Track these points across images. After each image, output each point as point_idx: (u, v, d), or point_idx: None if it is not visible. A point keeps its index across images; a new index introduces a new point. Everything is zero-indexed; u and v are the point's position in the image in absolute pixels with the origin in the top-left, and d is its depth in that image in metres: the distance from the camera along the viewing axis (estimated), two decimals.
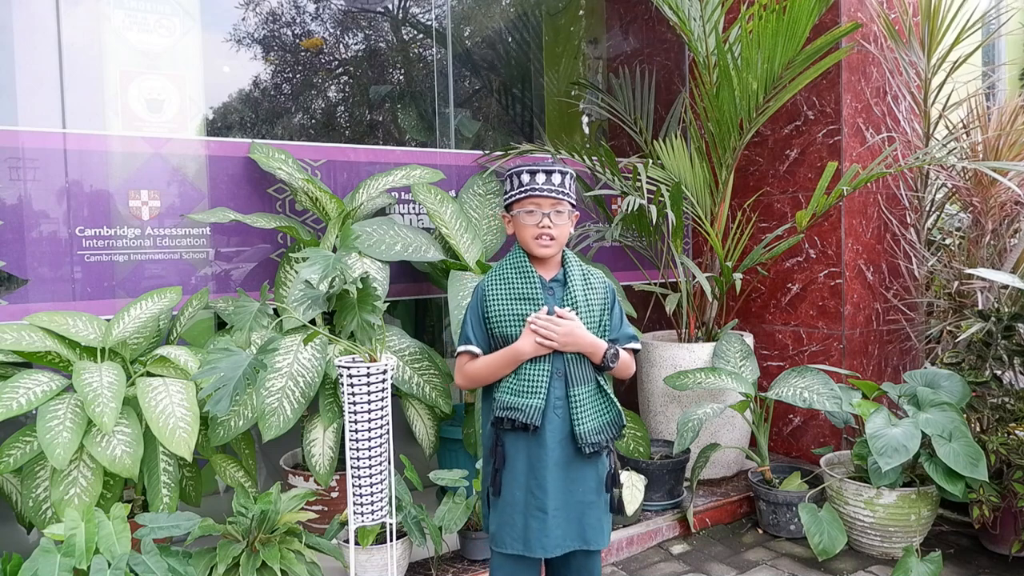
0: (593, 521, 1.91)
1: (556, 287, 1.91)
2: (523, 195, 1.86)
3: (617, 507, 1.97)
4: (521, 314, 1.86)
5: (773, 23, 2.90)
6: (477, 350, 1.91)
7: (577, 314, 1.87)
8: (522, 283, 1.89)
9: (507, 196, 1.92)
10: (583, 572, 1.97)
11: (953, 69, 3.57)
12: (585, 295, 1.91)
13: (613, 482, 1.95)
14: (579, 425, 1.85)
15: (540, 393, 1.83)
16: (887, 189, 3.77)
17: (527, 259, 1.91)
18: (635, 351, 2.03)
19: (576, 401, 1.86)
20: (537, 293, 1.87)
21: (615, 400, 1.93)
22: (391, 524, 2.31)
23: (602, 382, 1.93)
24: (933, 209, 3.66)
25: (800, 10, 2.86)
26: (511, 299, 1.88)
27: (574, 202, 1.92)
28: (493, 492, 1.92)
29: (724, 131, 3.35)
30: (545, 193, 1.84)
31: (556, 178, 1.86)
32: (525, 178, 1.86)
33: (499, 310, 1.88)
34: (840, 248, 3.62)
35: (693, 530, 3.17)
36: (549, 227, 1.85)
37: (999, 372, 2.95)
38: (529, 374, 1.84)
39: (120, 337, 2.53)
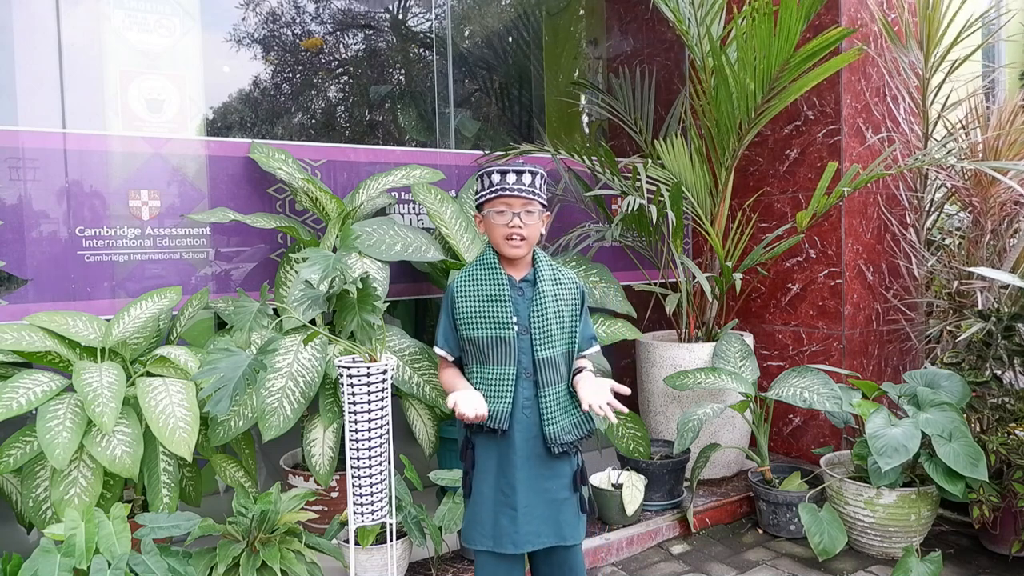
0: (568, 517, 1.94)
1: (526, 287, 1.92)
2: (493, 195, 1.88)
3: (587, 507, 1.99)
4: (488, 315, 1.87)
5: (766, 24, 2.89)
6: (443, 353, 1.94)
7: (546, 314, 1.88)
8: (490, 284, 1.89)
9: (478, 196, 1.93)
10: (565, 567, 1.99)
11: (952, 70, 3.57)
12: (555, 295, 1.92)
13: (581, 480, 1.97)
14: (548, 425, 1.87)
15: (507, 397, 1.85)
16: (887, 189, 3.77)
17: (497, 259, 1.92)
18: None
19: (546, 402, 1.87)
20: (505, 294, 1.87)
21: None
22: (391, 524, 2.31)
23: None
24: (933, 209, 3.66)
25: (790, 11, 2.85)
26: (478, 300, 1.89)
27: (545, 202, 1.93)
28: (464, 493, 1.95)
29: (723, 132, 3.35)
30: (515, 193, 1.86)
31: (526, 178, 1.87)
32: (496, 178, 1.88)
33: (466, 311, 1.90)
34: (840, 248, 3.62)
35: (693, 530, 3.17)
36: (519, 227, 1.86)
37: (999, 372, 2.95)
38: (495, 378, 1.86)
39: (120, 337, 2.52)
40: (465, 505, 1.97)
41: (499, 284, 1.89)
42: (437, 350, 1.96)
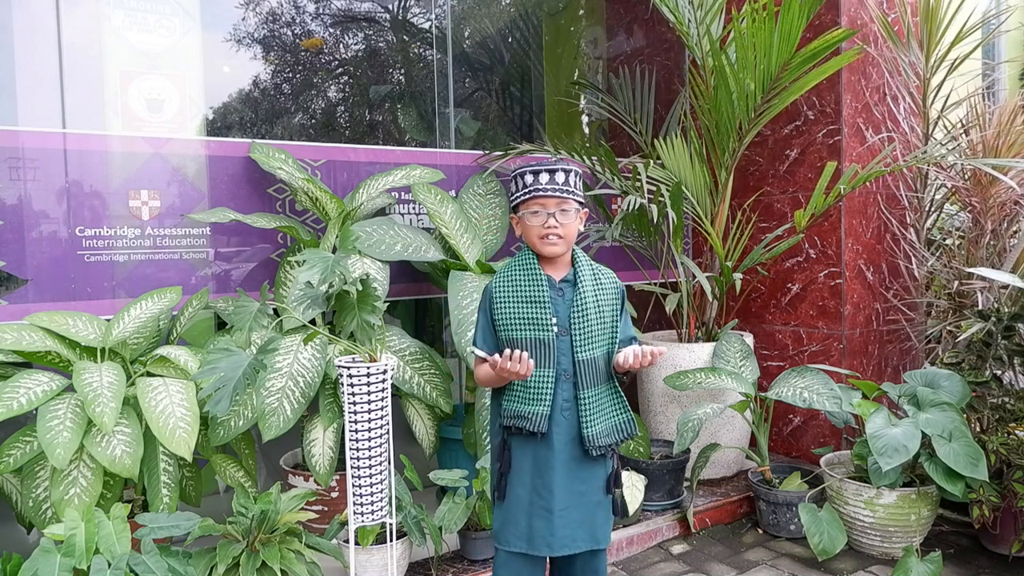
0: (602, 520, 1.92)
1: (566, 287, 1.89)
2: (527, 196, 1.85)
3: (621, 509, 1.97)
4: (527, 317, 1.84)
5: (767, 25, 2.89)
6: (482, 353, 1.89)
7: (587, 315, 1.85)
8: (529, 285, 1.86)
9: (513, 198, 1.91)
10: (588, 570, 1.97)
11: (952, 69, 3.57)
12: (596, 296, 1.88)
13: (615, 483, 1.95)
14: (588, 428, 1.84)
15: (546, 400, 1.82)
16: (887, 189, 3.77)
17: (536, 260, 1.89)
18: None
19: (585, 403, 1.85)
20: (544, 296, 1.84)
21: (627, 405, 1.92)
22: (391, 524, 2.31)
23: (617, 385, 1.92)
24: (933, 209, 3.66)
25: (792, 11, 2.85)
26: (517, 302, 1.86)
27: (581, 200, 1.90)
28: (498, 496, 1.91)
29: (723, 132, 3.35)
30: (549, 193, 1.83)
31: (560, 177, 1.84)
32: (529, 179, 1.85)
33: (505, 312, 1.86)
34: (840, 248, 3.62)
35: (693, 530, 3.17)
36: (555, 227, 1.83)
37: (999, 372, 2.95)
38: (533, 380, 1.83)
39: (120, 337, 2.53)
40: (497, 506, 1.94)
41: (538, 285, 1.85)
42: (476, 351, 1.92)
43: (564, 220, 1.85)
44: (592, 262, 1.96)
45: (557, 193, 1.83)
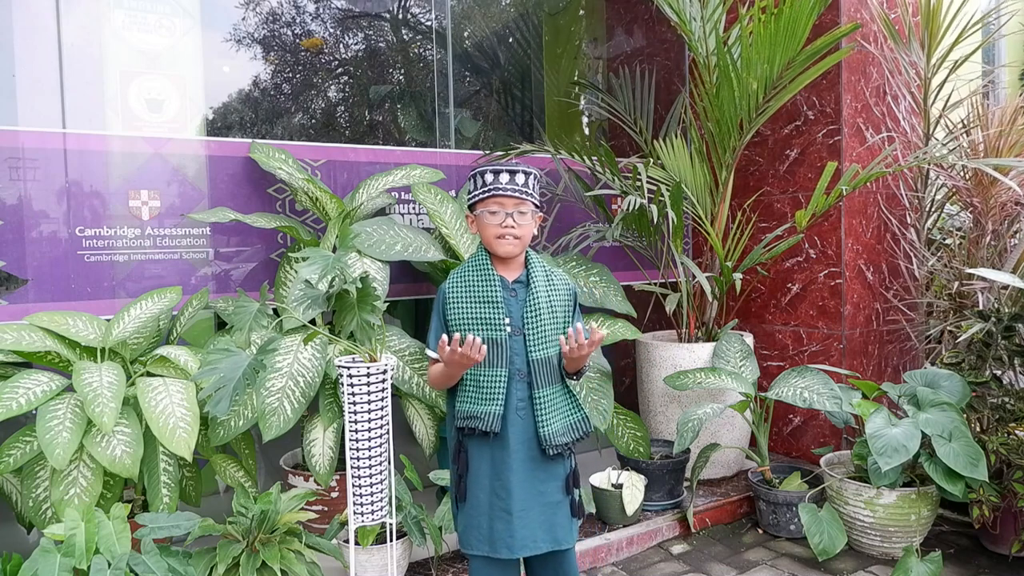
0: (562, 520, 1.93)
1: (519, 288, 1.91)
2: (486, 195, 1.86)
3: (578, 511, 1.97)
4: (480, 317, 1.86)
5: (773, 25, 2.90)
6: (435, 355, 1.90)
7: (540, 315, 1.87)
8: (482, 285, 1.88)
9: (471, 196, 1.92)
10: (560, 571, 1.98)
11: (953, 69, 3.57)
12: (548, 296, 1.91)
13: (574, 483, 1.96)
14: (543, 427, 1.86)
15: (498, 399, 1.83)
16: (887, 189, 3.77)
17: (489, 260, 1.91)
18: None
19: (541, 403, 1.87)
20: (497, 295, 1.86)
21: (580, 404, 1.95)
22: (391, 524, 2.31)
23: (570, 384, 1.95)
24: (933, 209, 3.66)
25: (799, 11, 2.86)
26: (470, 301, 1.88)
27: (538, 203, 1.92)
28: (459, 497, 1.93)
29: (724, 131, 3.35)
30: (508, 193, 1.85)
31: (520, 178, 1.86)
32: (489, 178, 1.86)
33: (457, 312, 1.88)
34: (840, 248, 3.62)
35: (693, 530, 3.17)
36: (512, 227, 1.85)
37: (999, 372, 2.95)
38: (486, 380, 1.84)
39: (120, 337, 2.53)
40: (459, 509, 1.96)
41: (491, 285, 1.87)
42: (429, 352, 1.94)
43: (521, 221, 1.87)
44: (545, 264, 1.98)
45: (516, 194, 1.85)
